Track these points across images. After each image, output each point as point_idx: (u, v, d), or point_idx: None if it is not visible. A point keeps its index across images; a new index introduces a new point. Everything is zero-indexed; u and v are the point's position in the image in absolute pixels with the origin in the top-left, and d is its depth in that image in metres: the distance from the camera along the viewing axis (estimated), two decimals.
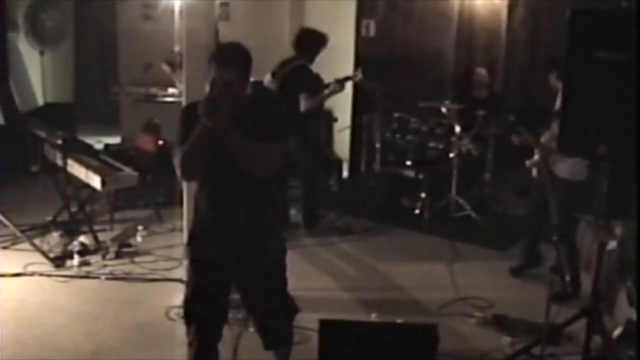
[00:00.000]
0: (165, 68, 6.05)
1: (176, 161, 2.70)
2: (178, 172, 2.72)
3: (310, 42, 5.65)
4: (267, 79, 5.81)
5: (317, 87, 5.69)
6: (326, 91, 5.68)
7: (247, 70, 2.72)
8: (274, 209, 2.99)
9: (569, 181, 4.25)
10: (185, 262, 2.96)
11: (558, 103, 4.40)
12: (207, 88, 2.64)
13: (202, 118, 2.54)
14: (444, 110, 6.19)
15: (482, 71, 6.45)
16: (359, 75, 5.96)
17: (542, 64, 4.55)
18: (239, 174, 2.68)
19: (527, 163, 4.53)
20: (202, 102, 2.57)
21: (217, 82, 2.61)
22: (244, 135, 2.62)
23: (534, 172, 4.57)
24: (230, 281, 2.92)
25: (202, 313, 2.86)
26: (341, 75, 5.96)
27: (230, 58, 2.67)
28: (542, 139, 4.38)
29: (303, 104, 5.44)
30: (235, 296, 3.07)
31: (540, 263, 4.81)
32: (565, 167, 4.26)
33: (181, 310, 4.13)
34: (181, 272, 4.53)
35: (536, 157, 4.43)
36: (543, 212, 4.52)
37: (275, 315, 3.01)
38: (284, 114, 2.89)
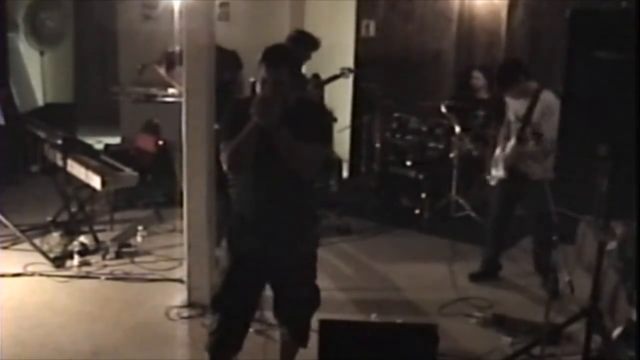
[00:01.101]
0: (160, 70, 6.03)
1: (224, 155, 2.80)
2: (225, 166, 2.82)
3: (302, 45, 5.66)
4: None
5: (300, 86, 5.71)
6: (307, 93, 5.74)
7: (295, 71, 2.85)
8: (313, 206, 3.12)
9: (543, 181, 4.30)
10: (220, 253, 3.05)
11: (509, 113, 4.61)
12: (257, 88, 2.76)
13: (255, 116, 2.64)
14: (444, 110, 6.19)
15: (478, 74, 6.44)
16: (347, 73, 5.99)
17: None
18: (283, 172, 2.77)
19: (493, 175, 4.64)
20: (255, 100, 2.67)
21: (268, 81, 2.72)
22: (292, 135, 2.71)
23: (493, 182, 4.66)
24: (266, 275, 3.00)
25: (231, 303, 2.94)
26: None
27: (281, 58, 2.78)
28: (509, 149, 4.48)
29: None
30: None
31: (499, 270, 4.87)
32: (539, 168, 4.35)
33: (181, 311, 4.18)
34: (181, 272, 4.53)
35: (498, 169, 4.56)
36: (505, 222, 4.69)
37: (304, 305, 3.09)
38: (329, 119, 3.02)
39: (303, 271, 3.05)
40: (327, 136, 2.99)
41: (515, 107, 4.48)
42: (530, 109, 4.30)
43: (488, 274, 4.83)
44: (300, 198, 2.93)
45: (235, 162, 2.80)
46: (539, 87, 4.32)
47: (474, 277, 4.84)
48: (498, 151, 4.66)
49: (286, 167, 2.75)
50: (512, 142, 4.45)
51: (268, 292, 3.09)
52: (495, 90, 6.56)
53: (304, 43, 5.72)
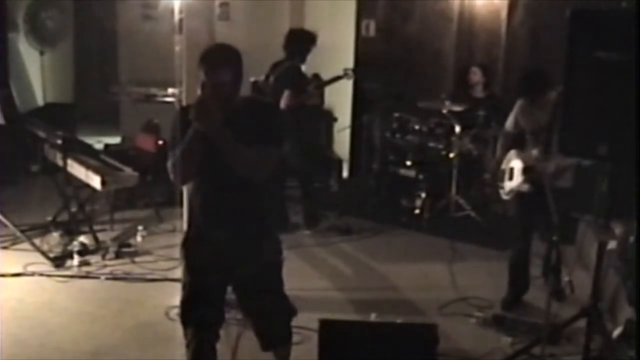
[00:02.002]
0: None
1: (169, 164, 2.70)
2: (170, 176, 2.72)
3: (299, 42, 5.70)
4: (261, 82, 5.85)
5: (302, 86, 5.73)
6: (306, 94, 5.75)
7: (237, 72, 2.69)
8: (269, 211, 2.95)
9: (563, 189, 4.14)
10: (181, 264, 2.96)
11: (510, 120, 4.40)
12: (198, 91, 2.63)
13: (194, 121, 2.53)
14: (444, 110, 6.19)
15: (476, 70, 6.45)
16: (350, 74, 5.99)
17: None
18: (233, 177, 2.66)
19: (508, 189, 4.31)
20: (193, 105, 2.56)
21: (207, 84, 2.60)
22: (238, 139, 2.59)
23: (507, 196, 4.35)
24: (225, 283, 2.91)
25: (198, 315, 2.86)
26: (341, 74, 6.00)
27: (220, 59, 2.65)
28: (533, 159, 4.20)
29: (282, 101, 5.49)
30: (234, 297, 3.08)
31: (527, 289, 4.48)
32: (560, 177, 4.14)
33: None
34: (181, 272, 4.52)
35: (518, 180, 4.24)
36: (528, 248, 4.32)
37: (272, 316, 2.97)
38: (281, 119, 2.90)
39: (266, 282, 2.91)
40: (277, 138, 2.79)
41: (535, 116, 4.24)
42: (555, 118, 4.00)
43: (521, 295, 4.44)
44: (253, 203, 2.81)
45: (179, 170, 2.68)
46: (559, 95, 4.14)
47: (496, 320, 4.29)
48: (513, 162, 4.34)
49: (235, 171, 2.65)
50: (534, 152, 4.19)
51: None
52: (492, 89, 6.60)
53: (302, 38, 5.75)
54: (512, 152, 4.36)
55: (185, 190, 4.23)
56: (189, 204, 2.92)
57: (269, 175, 2.74)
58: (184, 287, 2.91)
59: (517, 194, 4.29)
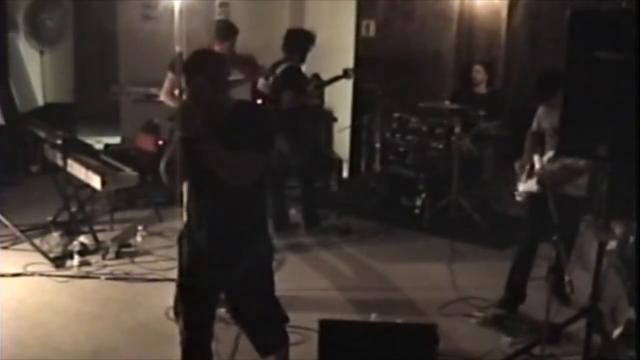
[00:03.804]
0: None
1: (161, 167, 2.80)
2: (162, 178, 2.82)
3: (298, 42, 5.70)
4: (260, 83, 5.84)
5: (301, 86, 5.73)
6: (306, 94, 5.75)
7: (217, 77, 2.70)
8: (259, 213, 2.95)
9: (576, 198, 4.08)
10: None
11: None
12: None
13: (176, 129, 2.59)
14: (444, 110, 6.19)
15: (479, 69, 6.45)
16: (350, 74, 5.99)
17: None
18: (220, 181, 2.67)
19: (521, 191, 4.23)
20: (175, 112, 2.65)
21: (186, 91, 2.66)
22: (227, 143, 2.61)
23: (520, 198, 4.27)
24: (216, 283, 2.92)
25: (189, 313, 2.90)
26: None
27: (197, 66, 2.69)
28: (545, 161, 4.13)
29: (284, 101, 5.49)
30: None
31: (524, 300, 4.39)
32: (572, 184, 4.06)
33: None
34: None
35: (530, 182, 4.17)
36: (535, 249, 4.25)
37: (263, 322, 2.97)
38: (271, 124, 2.91)
39: (257, 284, 2.91)
40: (265, 144, 2.77)
41: (551, 117, 4.16)
42: None
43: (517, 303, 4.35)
44: (242, 207, 2.80)
45: (167, 175, 2.79)
46: None
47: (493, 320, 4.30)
48: (531, 166, 4.25)
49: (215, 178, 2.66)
50: (549, 154, 4.11)
51: None
52: (494, 86, 6.60)
53: (300, 38, 5.75)
54: (535, 155, 4.29)
55: (185, 190, 4.27)
56: (185, 204, 2.96)
57: (250, 181, 2.72)
58: (177, 286, 2.97)
59: (527, 195, 4.24)
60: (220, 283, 2.91)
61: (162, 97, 5.34)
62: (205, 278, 2.85)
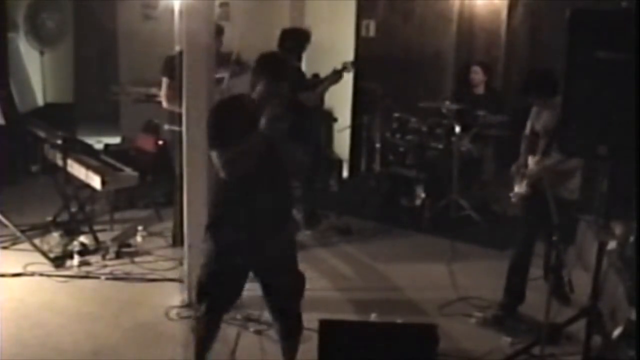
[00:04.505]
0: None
1: (221, 161, 2.87)
2: (223, 172, 2.89)
3: (293, 41, 5.68)
4: None
5: (313, 83, 5.71)
6: (325, 83, 5.69)
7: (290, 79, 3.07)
8: (286, 199, 3.20)
9: (568, 201, 4.07)
10: (202, 246, 3.13)
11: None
12: (258, 99, 2.92)
13: (266, 130, 2.80)
14: (444, 110, 6.19)
15: (477, 70, 6.45)
16: (349, 67, 5.95)
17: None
18: (269, 170, 2.92)
19: (515, 192, 4.22)
20: (267, 117, 2.80)
21: (272, 94, 2.90)
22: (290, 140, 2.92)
23: (515, 199, 4.25)
24: (247, 265, 3.09)
25: (217, 294, 3.07)
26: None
27: (285, 71, 3.00)
28: (533, 163, 4.14)
29: (307, 101, 5.47)
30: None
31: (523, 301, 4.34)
32: (563, 187, 4.07)
33: (181, 311, 4.18)
34: (181, 272, 4.53)
35: (520, 184, 4.18)
36: (530, 254, 4.24)
37: (291, 293, 3.18)
38: (314, 119, 3.21)
39: (284, 258, 3.15)
40: (312, 137, 3.27)
41: (541, 118, 4.19)
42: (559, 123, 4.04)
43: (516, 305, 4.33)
44: (281, 192, 3.09)
45: (235, 167, 2.89)
46: None
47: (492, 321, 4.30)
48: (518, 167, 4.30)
49: (271, 168, 2.92)
50: (537, 156, 4.14)
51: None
52: (492, 86, 6.60)
53: (296, 37, 5.73)
54: (530, 156, 4.29)
55: (185, 189, 4.27)
56: (215, 191, 3.13)
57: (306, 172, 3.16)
58: (205, 267, 3.08)
59: (521, 197, 4.24)
60: (253, 262, 3.09)
61: (165, 104, 5.27)
62: (241, 257, 3.02)
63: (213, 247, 3.04)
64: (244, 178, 2.91)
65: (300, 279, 3.22)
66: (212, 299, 3.08)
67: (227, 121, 2.91)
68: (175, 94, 4.73)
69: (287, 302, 3.20)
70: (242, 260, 3.03)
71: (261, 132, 2.81)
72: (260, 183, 2.94)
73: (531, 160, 4.22)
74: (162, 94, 5.27)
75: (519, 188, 4.22)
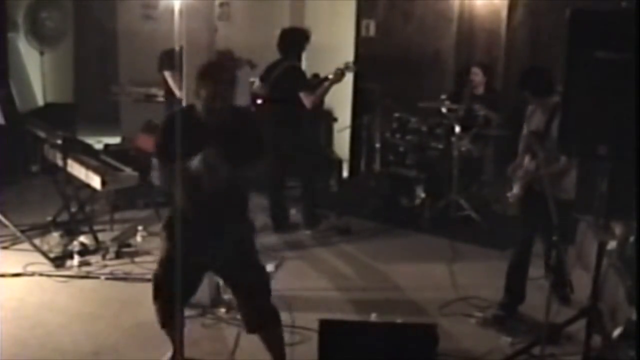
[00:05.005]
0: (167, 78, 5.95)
1: (154, 176, 3.13)
2: (154, 181, 3.14)
3: (293, 41, 5.67)
4: (256, 85, 5.82)
5: (314, 83, 5.70)
6: (326, 83, 5.67)
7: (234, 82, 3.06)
8: (241, 196, 3.26)
9: (564, 202, 4.03)
10: (160, 244, 3.27)
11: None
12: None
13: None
14: (444, 110, 6.19)
15: (477, 71, 6.45)
16: (351, 67, 5.94)
17: None
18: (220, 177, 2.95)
19: (513, 193, 4.23)
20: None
21: (207, 93, 2.96)
22: (228, 149, 2.92)
23: (512, 199, 4.26)
24: (203, 262, 3.17)
25: (169, 290, 3.03)
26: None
27: (223, 71, 3.04)
28: (526, 163, 4.14)
29: (307, 101, 5.47)
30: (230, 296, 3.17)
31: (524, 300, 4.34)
32: (557, 187, 4.03)
33: None
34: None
35: (516, 185, 4.19)
36: (528, 255, 4.24)
37: (256, 288, 3.20)
38: (261, 132, 3.22)
39: (241, 255, 3.19)
40: (261, 151, 3.17)
41: (535, 119, 4.19)
42: (549, 123, 3.99)
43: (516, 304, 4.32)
44: (235, 195, 3.14)
45: (167, 182, 3.13)
46: (559, 101, 4.00)
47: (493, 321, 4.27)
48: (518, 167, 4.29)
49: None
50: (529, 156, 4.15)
51: None
52: (492, 86, 6.60)
53: (295, 37, 5.73)
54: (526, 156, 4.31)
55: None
56: (173, 192, 3.19)
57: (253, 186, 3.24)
58: (160, 264, 3.21)
59: (515, 197, 4.26)
60: (206, 265, 3.21)
61: (178, 93, 5.28)
62: (189, 261, 2.99)
63: (167, 245, 3.13)
64: (197, 178, 2.96)
65: (263, 273, 3.28)
66: (165, 295, 3.13)
67: (172, 137, 2.87)
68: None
69: (255, 297, 3.21)
70: (195, 259, 3.05)
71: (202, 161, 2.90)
72: (211, 187, 2.99)
73: (526, 161, 4.23)
74: (172, 86, 5.31)
75: (516, 188, 4.23)
